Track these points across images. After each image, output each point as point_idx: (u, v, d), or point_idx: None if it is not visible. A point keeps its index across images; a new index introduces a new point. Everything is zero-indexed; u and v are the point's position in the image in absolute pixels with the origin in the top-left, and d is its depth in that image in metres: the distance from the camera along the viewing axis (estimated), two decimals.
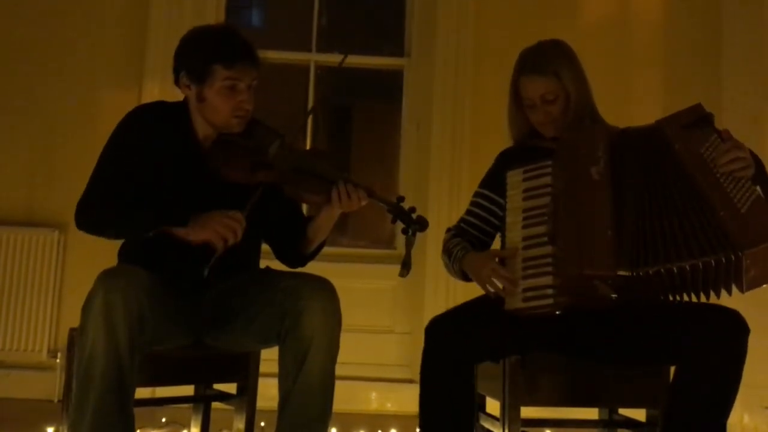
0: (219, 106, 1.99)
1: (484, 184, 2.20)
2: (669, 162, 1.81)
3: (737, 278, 1.72)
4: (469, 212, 2.19)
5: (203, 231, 1.86)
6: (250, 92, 2.01)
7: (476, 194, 2.20)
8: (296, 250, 2.16)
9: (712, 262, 1.70)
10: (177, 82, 2.04)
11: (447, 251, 2.13)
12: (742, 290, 1.76)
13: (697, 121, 1.85)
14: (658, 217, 1.78)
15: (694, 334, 1.78)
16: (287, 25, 4.74)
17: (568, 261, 1.80)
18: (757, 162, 1.84)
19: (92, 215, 1.95)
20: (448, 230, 2.20)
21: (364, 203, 1.96)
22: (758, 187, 1.79)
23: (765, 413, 3.31)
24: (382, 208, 1.97)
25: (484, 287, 1.96)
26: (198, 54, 1.98)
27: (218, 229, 1.85)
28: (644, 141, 1.87)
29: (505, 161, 2.17)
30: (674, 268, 1.73)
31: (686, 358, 1.78)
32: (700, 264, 1.71)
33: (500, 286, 1.90)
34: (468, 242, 2.10)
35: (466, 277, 2.07)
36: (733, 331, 1.79)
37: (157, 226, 1.90)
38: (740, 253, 1.68)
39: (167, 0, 3.83)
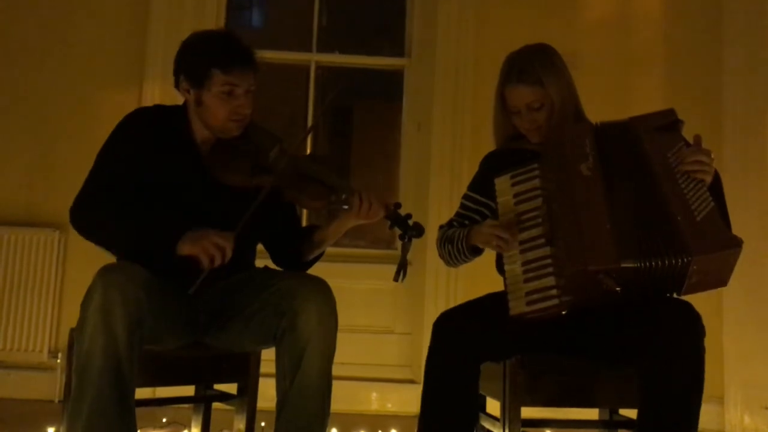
0: (217, 111, 1.99)
1: (471, 187, 2.21)
2: (638, 161, 1.86)
3: (680, 282, 1.80)
4: (458, 214, 2.20)
5: (192, 246, 1.84)
6: (249, 97, 2.01)
7: (465, 197, 2.21)
8: (296, 256, 2.16)
9: (666, 262, 1.76)
10: (177, 85, 2.05)
11: (447, 239, 2.13)
12: (679, 294, 1.83)
13: (667, 125, 1.89)
14: (634, 212, 1.82)
15: (648, 335, 1.80)
16: (287, 25, 4.74)
17: (571, 259, 1.81)
18: (716, 176, 1.88)
19: (87, 216, 1.94)
20: (441, 227, 2.21)
21: (381, 215, 1.97)
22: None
23: (765, 413, 3.31)
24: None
25: (488, 244, 1.98)
26: (197, 58, 1.99)
27: (207, 247, 1.84)
28: (619, 136, 1.90)
29: (491, 165, 2.18)
30: (650, 264, 1.77)
31: (644, 360, 1.80)
32: (659, 263, 1.76)
33: (502, 235, 1.92)
34: None
35: (475, 252, 2.08)
36: (686, 328, 1.80)
37: (147, 242, 1.89)
38: (689, 259, 1.74)
39: (167, 0, 3.83)
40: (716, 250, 1.75)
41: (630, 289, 1.83)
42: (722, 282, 1.86)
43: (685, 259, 1.74)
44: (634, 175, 1.85)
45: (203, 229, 1.87)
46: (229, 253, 1.86)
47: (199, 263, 1.84)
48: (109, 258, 2.04)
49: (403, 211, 1.99)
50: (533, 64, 2.05)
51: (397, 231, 1.96)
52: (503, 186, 2.02)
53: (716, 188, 1.88)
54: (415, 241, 1.96)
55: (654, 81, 3.85)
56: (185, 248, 1.85)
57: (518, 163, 2.01)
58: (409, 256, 1.95)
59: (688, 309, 1.82)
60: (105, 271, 1.76)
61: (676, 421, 1.76)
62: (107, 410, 1.70)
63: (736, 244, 1.76)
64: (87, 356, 1.70)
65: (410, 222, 1.96)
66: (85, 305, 1.74)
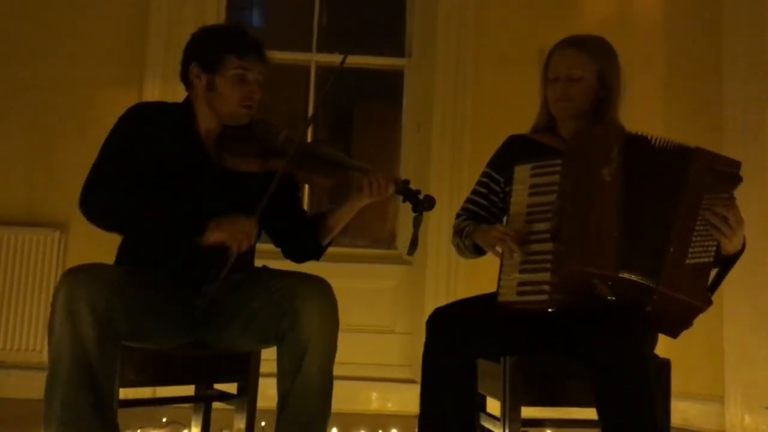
0: (229, 95, 2.02)
1: (490, 164, 2.22)
2: (674, 184, 1.82)
3: (640, 306, 1.80)
4: (474, 191, 2.21)
5: (221, 233, 1.87)
6: (258, 85, 2.05)
7: (482, 173, 2.22)
8: (311, 241, 2.16)
9: (634, 278, 1.77)
10: (185, 75, 2.07)
11: (458, 232, 2.15)
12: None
13: (726, 173, 1.85)
14: (647, 229, 1.81)
15: (594, 340, 1.80)
16: (287, 25, 4.74)
17: (569, 257, 1.80)
18: (739, 251, 1.87)
19: (102, 200, 1.90)
20: (458, 215, 2.22)
21: (391, 191, 2.01)
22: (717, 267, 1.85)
23: (765, 413, 3.31)
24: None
25: (493, 249, 1.99)
26: (212, 44, 2.05)
27: (235, 234, 1.87)
28: (668, 154, 1.85)
29: (513, 148, 2.17)
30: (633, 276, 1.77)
31: (593, 366, 1.80)
32: (631, 277, 1.77)
33: (511, 244, 1.91)
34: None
35: (477, 251, 2.09)
36: (628, 331, 1.79)
37: (172, 231, 1.90)
38: (653, 286, 1.76)
39: (167, 0, 3.83)
40: (681, 293, 1.76)
41: (625, 300, 1.82)
42: (672, 332, 1.87)
43: (649, 284, 1.76)
44: (663, 197, 1.82)
45: (226, 216, 1.89)
46: (254, 238, 1.90)
47: (227, 249, 1.87)
48: (110, 260, 2.03)
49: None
50: (591, 41, 2.06)
51: (409, 205, 2.00)
52: (522, 175, 2.00)
53: (730, 259, 1.87)
54: (415, 238, 1.97)
55: (654, 81, 3.85)
56: (213, 236, 1.87)
57: (542, 157, 1.99)
58: (410, 256, 1.97)
59: (633, 315, 1.82)
60: (68, 273, 1.76)
61: (628, 424, 1.75)
62: (80, 411, 1.68)
63: (703, 300, 1.78)
64: (55, 357, 1.70)
65: (420, 196, 2.00)
66: (52, 307, 1.73)
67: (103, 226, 1.94)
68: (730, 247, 1.82)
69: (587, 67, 2.02)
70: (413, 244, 1.96)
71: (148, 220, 1.91)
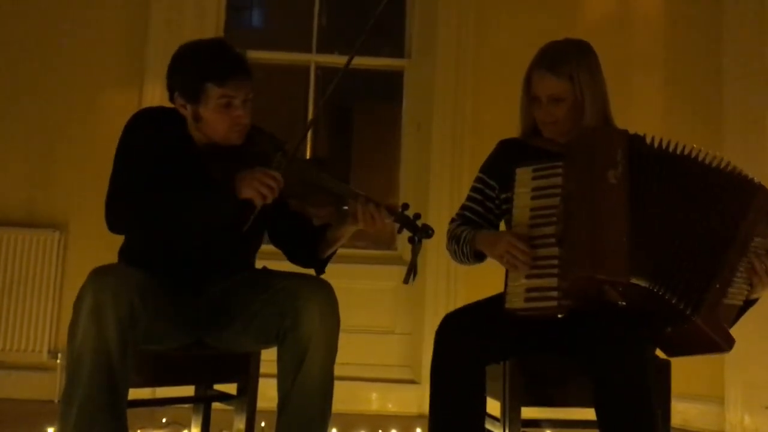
0: (216, 124, 1.95)
1: (483, 169, 2.18)
2: (731, 214, 1.79)
3: (661, 324, 1.78)
4: (468, 198, 2.18)
5: (246, 190, 1.83)
6: (247, 106, 1.96)
7: (476, 179, 2.18)
8: (312, 255, 2.14)
9: (672, 300, 1.73)
10: (172, 100, 1.99)
11: (455, 237, 2.10)
12: (653, 333, 1.81)
13: None
14: (673, 240, 1.78)
15: (596, 345, 1.79)
16: (287, 25, 4.75)
17: (578, 263, 1.77)
18: (756, 299, 1.86)
19: (131, 203, 1.88)
20: (452, 221, 2.18)
21: (388, 221, 1.94)
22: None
23: (765, 413, 3.31)
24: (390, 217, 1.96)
25: (500, 260, 1.93)
26: (190, 73, 1.93)
27: (259, 188, 1.82)
28: (732, 183, 1.83)
29: (506, 153, 2.14)
30: (659, 291, 1.74)
31: (593, 371, 1.79)
32: (667, 296, 1.74)
33: (519, 258, 1.87)
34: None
35: (478, 258, 2.05)
36: (629, 336, 1.78)
37: (205, 195, 1.87)
38: (690, 316, 1.72)
39: (167, 0, 3.83)
40: (712, 331, 1.74)
41: (635, 305, 1.79)
42: (674, 352, 1.86)
43: (688, 312, 1.73)
44: (700, 211, 1.79)
45: (249, 171, 1.85)
46: (277, 191, 1.84)
47: (252, 204, 1.84)
48: (111, 260, 2.03)
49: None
50: (569, 57, 1.99)
51: (407, 233, 1.93)
52: (524, 177, 1.96)
53: (748, 305, 1.86)
54: (414, 266, 1.93)
55: (654, 82, 3.85)
56: (244, 193, 1.84)
57: (536, 159, 1.97)
58: (407, 284, 1.94)
59: (636, 320, 1.80)
60: (96, 274, 1.75)
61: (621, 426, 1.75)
62: (97, 411, 1.69)
63: (728, 342, 1.77)
64: (78, 358, 1.70)
65: (419, 223, 1.93)
66: (76, 307, 1.73)
67: (135, 229, 1.93)
68: (755, 295, 1.82)
69: (566, 90, 1.99)
70: (412, 273, 1.89)
71: (179, 205, 1.88)
